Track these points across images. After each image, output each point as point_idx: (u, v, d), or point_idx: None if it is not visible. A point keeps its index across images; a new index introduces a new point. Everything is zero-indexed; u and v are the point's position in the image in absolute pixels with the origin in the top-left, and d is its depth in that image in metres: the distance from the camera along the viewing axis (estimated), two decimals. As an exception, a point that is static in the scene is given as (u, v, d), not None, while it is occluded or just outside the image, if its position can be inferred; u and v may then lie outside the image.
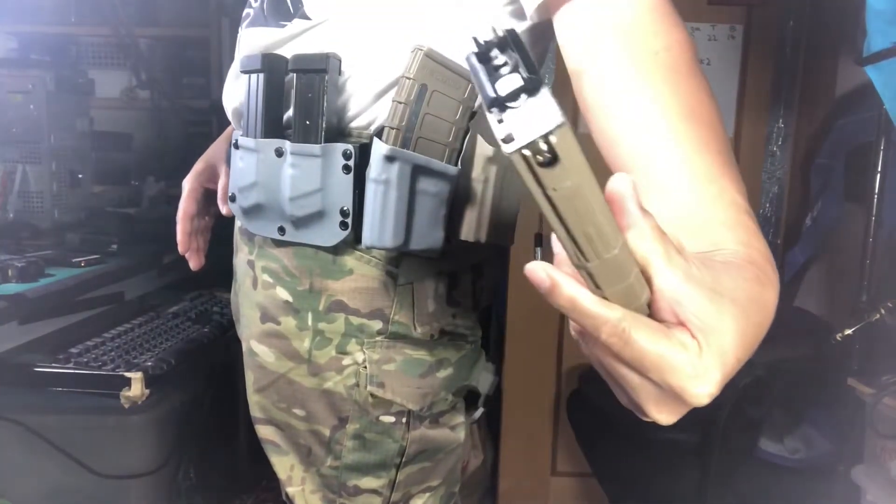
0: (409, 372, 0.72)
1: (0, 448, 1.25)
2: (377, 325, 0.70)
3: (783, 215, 2.01)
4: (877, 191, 1.24)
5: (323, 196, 0.65)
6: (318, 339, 0.70)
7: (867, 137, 1.37)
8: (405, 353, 0.71)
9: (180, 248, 0.88)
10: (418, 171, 0.62)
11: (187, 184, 0.87)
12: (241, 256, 0.77)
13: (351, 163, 0.64)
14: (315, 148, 0.64)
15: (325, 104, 0.64)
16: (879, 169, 1.24)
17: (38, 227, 1.75)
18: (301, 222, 0.67)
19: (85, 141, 1.94)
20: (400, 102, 0.62)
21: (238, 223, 0.79)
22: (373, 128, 0.67)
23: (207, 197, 0.88)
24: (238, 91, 0.73)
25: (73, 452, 1.24)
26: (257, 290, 0.73)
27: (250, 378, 0.76)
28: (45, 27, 2.25)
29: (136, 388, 1.24)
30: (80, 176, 1.90)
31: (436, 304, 0.72)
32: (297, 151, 0.65)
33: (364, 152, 0.64)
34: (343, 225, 0.66)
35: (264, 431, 0.77)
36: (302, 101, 0.65)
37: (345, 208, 0.65)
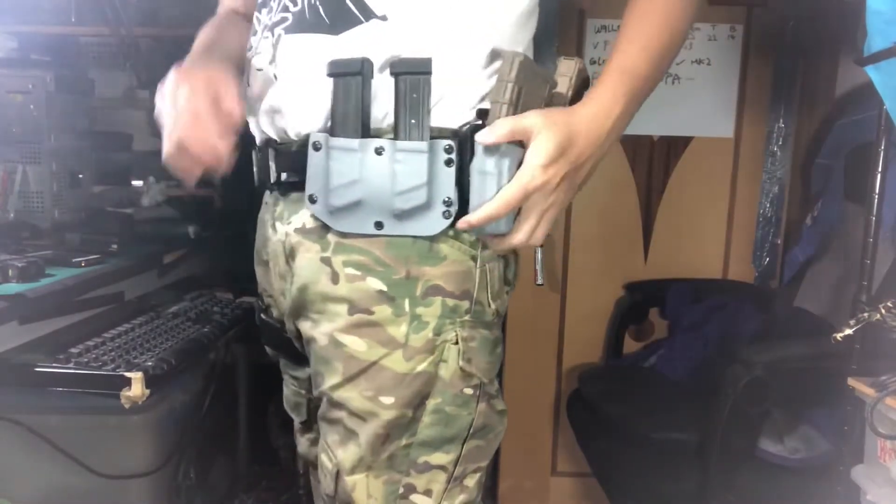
0: (484, 349, 0.79)
1: (0, 448, 1.25)
2: (466, 304, 0.77)
3: (783, 215, 2.01)
4: (877, 191, 1.23)
5: (428, 189, 0.72)
6: (416, 324, 0.75)
7: (867, 137, 1.36)
8: (481, 331, 0.79)
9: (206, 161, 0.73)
10: (516, 163, 0.71)
11: (193, 82, 0.74)
12: (309, 256, 0.78)
13: (453, 156, 0.72)
14: (422, 144, 0.72)
15: (429, 104, 0.72)
16: (879, 169, 1.23)
17: (38, 227, 1.75)
18: (406, 215, 0.73)
19: (85, 141, 1.94)
20: (503, 103, 0.70)
21: (293, 226, 0.80)
22: (456, 124, 0.74)
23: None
24: (318, 94, 0.75)
25: (73, 452, 1.25)
26: (339, 283, 0.76)
27: (338, 369, 0.77)
28: (45, 27, 2.24)
29: (137, 388, 1.24)
30: (80, 176, 1.90)
31: (499, 284, 0.81)
32: (405, 149, 0.72)
33: (461, 147, 0.72)
34: (447, 214, 0.73)
35: (340, 415, 0.78)
36: (408, 102, 0.72)
37: (447, 198, 0.73)
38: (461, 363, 0.76)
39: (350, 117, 0.72)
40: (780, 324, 1.75)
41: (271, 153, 0.82)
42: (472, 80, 0.76)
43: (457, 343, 0.76)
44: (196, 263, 1.95)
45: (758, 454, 1.43)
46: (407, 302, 0.75)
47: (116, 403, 1.24)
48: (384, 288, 0.75)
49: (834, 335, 1.19)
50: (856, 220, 1.61)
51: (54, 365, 1.30)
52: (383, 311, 0.75)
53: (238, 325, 1.74)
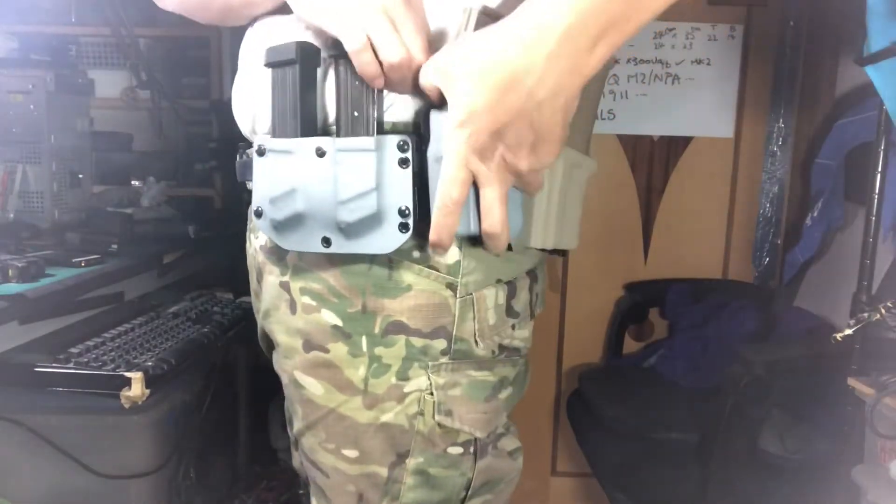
0: (474, 396, 0.66)
1: (0, 448, 1.25)
2: (441, 344, 0.64)
3: (783, 215, 2.01)
4: (877, 191, 1.24)
5: (378, 196, 0.58)
6: (375, 367, 0.64)
7: (867, 137, 1.37)
8: (469, 374, 0.66)
9: None
10: None
11: None
12: (271, 279, 0.69)
13: (408, 155, 0.57)
14: (368, 141, 0.57)
15: (376, 92, 0.59)
16: (879, 169, 1.24)
17: (38, 227, 1.75)
18: (353, 229, 0.59)
19: (85, 141, 1.94)
20: None
21: (259, 243, 0.72)
22: (410, 115, 0.61)
23: None
24: (260, 89, 0.65)
25: (73, 452, 1.24)
26: (297, 314, 0.66)
27: (298, 412, 0.70)
28: (45, 27, 2.24)
29: (136, 388, 1.24)
30: (80, 176, 1.90)
31: (496, 317, 0.66)
32: (346, 147, 0.58)
33: (420, 142, 0.59)
34: (403, 227, 0.58)
35: (311, 471, 0.71)
36: (349, 91, 0.59)
37: (403, 208, 0.58)
38: (438, 418, 0.64)
39: (287, 114, 0.60)
40: (780, 324, 1.75)
41: (238, 155, 0.73)
42: None
43: (431, 393, 0.64)
44: (196, 263, 1.95)
45: (758, 454, 1.43)
46: (364, 340, 0.63)
47: (116, 403, 1.24)
48: (339, 323, 0.63)
49: (834, 335, 1.19)
50: (856, 220, 1.61)
51: (54, 365, 1.29)
52: (339, 349, 0.64)
53: (238, 325, 1.74)
